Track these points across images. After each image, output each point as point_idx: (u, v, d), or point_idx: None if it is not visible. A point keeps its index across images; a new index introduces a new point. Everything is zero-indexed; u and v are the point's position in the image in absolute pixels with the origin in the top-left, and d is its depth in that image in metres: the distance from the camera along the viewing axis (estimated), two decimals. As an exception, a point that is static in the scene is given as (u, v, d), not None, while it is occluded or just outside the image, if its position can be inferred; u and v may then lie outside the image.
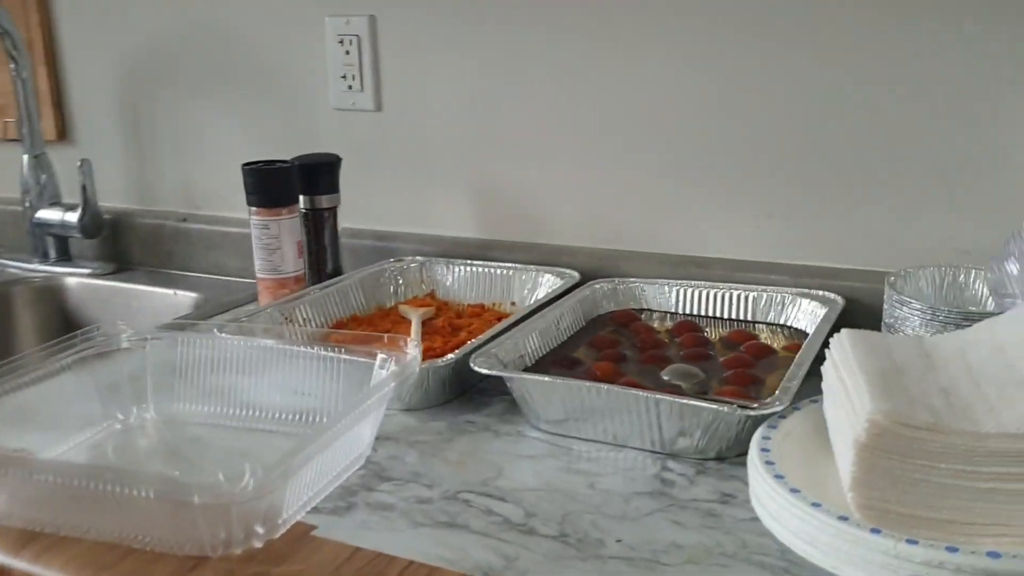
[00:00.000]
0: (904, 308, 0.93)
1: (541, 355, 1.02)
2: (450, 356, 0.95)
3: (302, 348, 0.92)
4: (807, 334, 1.05)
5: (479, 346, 0.97)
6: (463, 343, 1.06)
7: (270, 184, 1.15)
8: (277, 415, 0.91)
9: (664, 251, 1.21)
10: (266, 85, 1.43)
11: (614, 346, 1.05)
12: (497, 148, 1.29)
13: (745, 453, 0.75)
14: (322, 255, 1.27)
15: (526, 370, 0.98)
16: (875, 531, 0.61)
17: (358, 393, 0.82)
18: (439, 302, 1.27)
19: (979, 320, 0.81)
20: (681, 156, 1.17)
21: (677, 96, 1.16)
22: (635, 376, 0.96)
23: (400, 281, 1.29)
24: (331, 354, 0.90)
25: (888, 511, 0.63)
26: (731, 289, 1.13)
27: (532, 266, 1.24)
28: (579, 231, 1.26)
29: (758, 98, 1.11)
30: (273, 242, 1.16)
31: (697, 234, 1.19)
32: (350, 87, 1.36)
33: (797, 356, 0.91)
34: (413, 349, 0.87)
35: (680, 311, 1.15)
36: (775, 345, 1.04)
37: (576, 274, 1.20)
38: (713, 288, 1.14)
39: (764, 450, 0.73)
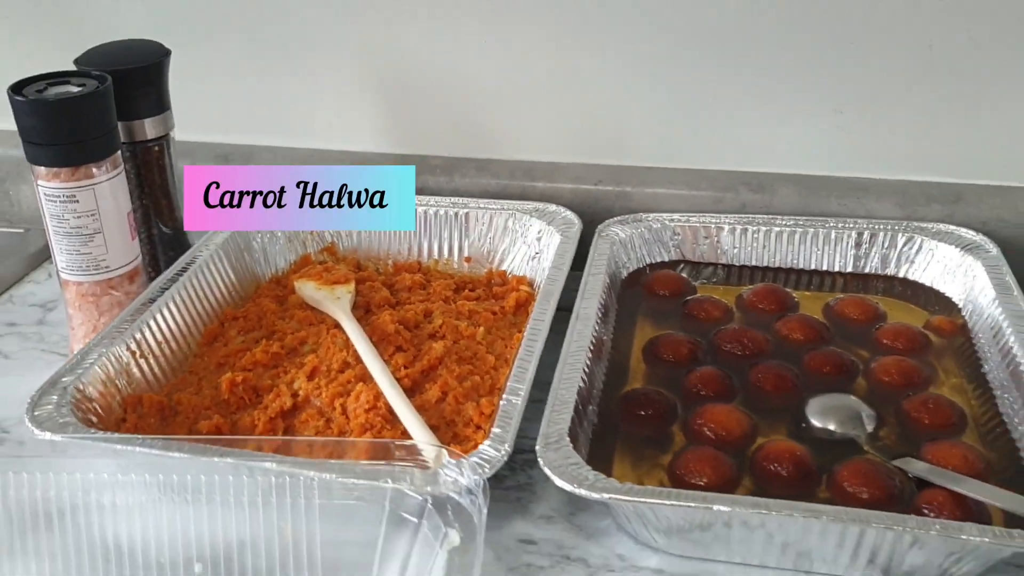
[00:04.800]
0: None
1: (598, 388, 0.64)
2: (489, 452, 0.54)
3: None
4: (948, 298, 0.73)
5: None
6: (437, 362, 0.67)
7: (75, 122, 0.63)
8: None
9: (696, 166, 0.82)
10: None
11: (692, 355, 0.67)
12: (419, 20, 0.82)
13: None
14: (152, 214, 0.78)
15: (598, 435, 0.60)
16: None
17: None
18: (346, 263, 0.83)
19: None
20: (713, 32, 0.77)
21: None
22: (758, 416, 0.61)
23: (276, 237, 0.83)
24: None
25: None
26: (820, 225, 0.77)
27: (492, 201, 0.82)
28: (554, 142, 0.84)
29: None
30: (87, 223, 0.66)
31: (742, 143, 0.81)
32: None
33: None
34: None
35: (739, 261, 0.79)
36: (916, 323, 0.71)
37: (573, 216, 0.79)
38: (791, 225, 0.77)
39: None
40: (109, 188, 0.66)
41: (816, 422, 0.60)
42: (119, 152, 0.67)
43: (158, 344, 0.69)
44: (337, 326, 0.73)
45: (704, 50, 0.77)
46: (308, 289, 0.78)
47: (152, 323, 0.69)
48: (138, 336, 0.67)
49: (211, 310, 0.75)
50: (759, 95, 0.78)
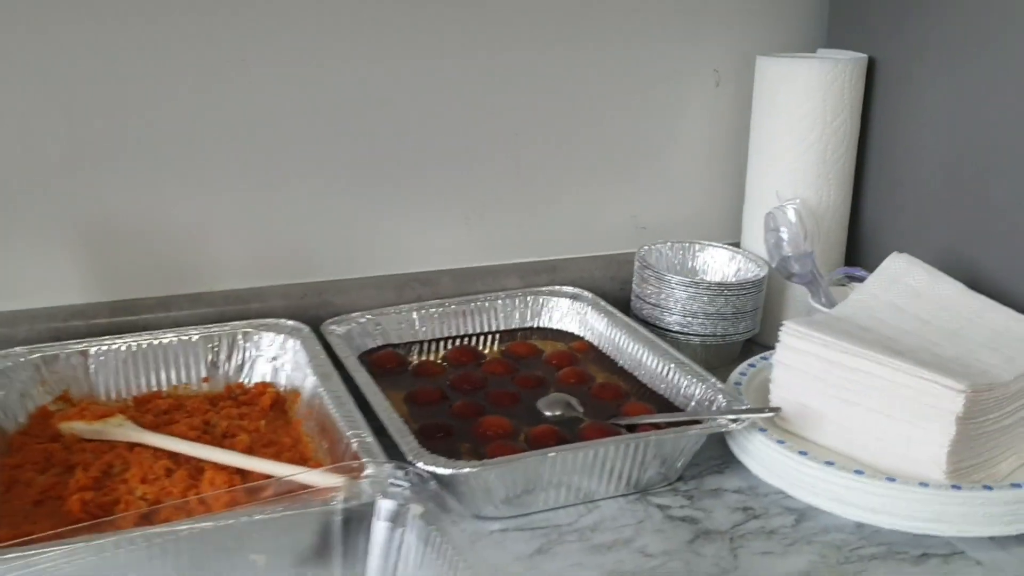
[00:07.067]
0: (673, 285, 1.01)
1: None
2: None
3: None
4: (574, 334, 1.04)
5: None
6: (248, 452, 0.79)
7: None
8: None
9: (377, 274, 1.05)
10: None
11: (443, 396, 0.89)
12: (114, 172, 0.93)
13: (696, 466, 0.83)
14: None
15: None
16: (956, 487, 0.72)
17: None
18: (98, 406, 0.87)
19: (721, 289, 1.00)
20: (368, 164, 1.02)
21: (356, 97, 1.00)
22: (514, 420, 0.85)
23: (13, 391, 0.85)
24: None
25: (960, 468, 0.74)
26: (474, 301, 1.05)
27: (214, 325, 0.94)
28: (258, 269, 1.00)
29: (439, 95, 1.03)
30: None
31: (406, 249, 1.06)
32: None
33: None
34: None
35: (429, 338, 1.02)
36: (568, 350, 1.01)
37: (298, 324, 0.95)
38: (455, 304, 1.04)
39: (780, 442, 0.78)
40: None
41: (547, 412, 0.87)
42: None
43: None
44: (132, 447, 0.79)
45: (367, 178, 1.02)
46: (80, 426, 0.82)
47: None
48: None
49: (-12, 465, 0.76)
50: (413, 213, 1.05)
